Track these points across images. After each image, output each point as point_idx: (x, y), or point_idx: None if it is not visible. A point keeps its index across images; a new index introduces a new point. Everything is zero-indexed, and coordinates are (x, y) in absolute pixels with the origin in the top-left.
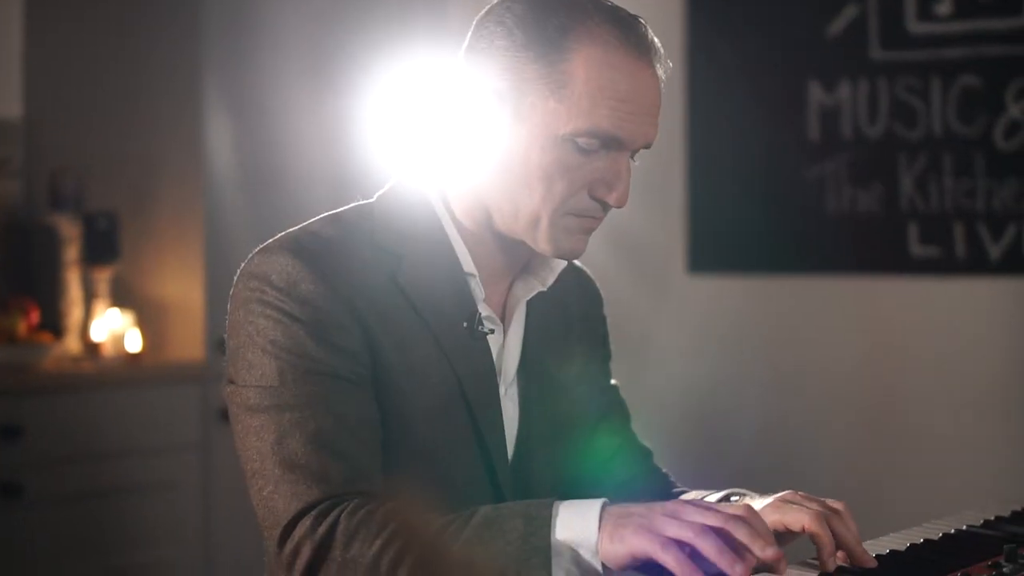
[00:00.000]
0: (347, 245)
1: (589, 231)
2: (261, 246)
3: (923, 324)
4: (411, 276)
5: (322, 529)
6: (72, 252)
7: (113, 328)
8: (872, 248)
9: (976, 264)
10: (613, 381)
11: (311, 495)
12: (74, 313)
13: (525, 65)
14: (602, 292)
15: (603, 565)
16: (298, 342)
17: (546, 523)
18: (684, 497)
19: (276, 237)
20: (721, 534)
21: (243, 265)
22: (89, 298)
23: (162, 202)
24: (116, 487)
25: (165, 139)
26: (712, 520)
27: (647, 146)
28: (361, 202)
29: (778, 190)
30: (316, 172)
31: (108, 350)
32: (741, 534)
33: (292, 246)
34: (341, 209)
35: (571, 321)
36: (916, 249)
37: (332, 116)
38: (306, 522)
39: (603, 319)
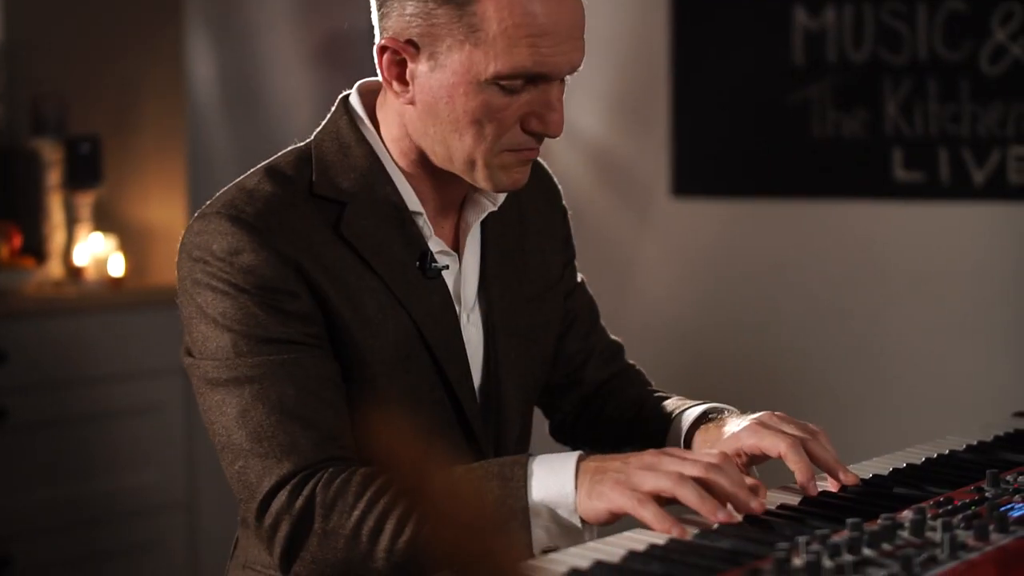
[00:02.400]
0: (286, 201)
1: (528, 161)
2: (199, 212)
3: (907, 248)
4: (355, 225)
5: (299, 503)
6: (54, 176)
7: (96, 252)
8: (856, 173)
9: (960, 189)
10: (580, 278)
11: (283, 468)
12: (56, 237)
13: (435, 10)
14: (588, 216)
15: (582, 520)
16: (248, 312)
17: (521, 484)
18: (662, 406)
19: (213, 199)
20: (701, 483)
21: (183, 234)
22: (71, 222)
23: (145, 125)
24: (99, 411)
25: (147, 62)
26: (691, 470)
27: (574, 71)
28: (298, 144)
29: (762, 114)
30: (300, 94)
31: (91, 274)
32: (723, 484)
33: (229, 211)
34: (277, 156)
35: (529, 226)
36: (900, 174)
37: (316, 36)
38: (282, 497)
39: (563, 215)
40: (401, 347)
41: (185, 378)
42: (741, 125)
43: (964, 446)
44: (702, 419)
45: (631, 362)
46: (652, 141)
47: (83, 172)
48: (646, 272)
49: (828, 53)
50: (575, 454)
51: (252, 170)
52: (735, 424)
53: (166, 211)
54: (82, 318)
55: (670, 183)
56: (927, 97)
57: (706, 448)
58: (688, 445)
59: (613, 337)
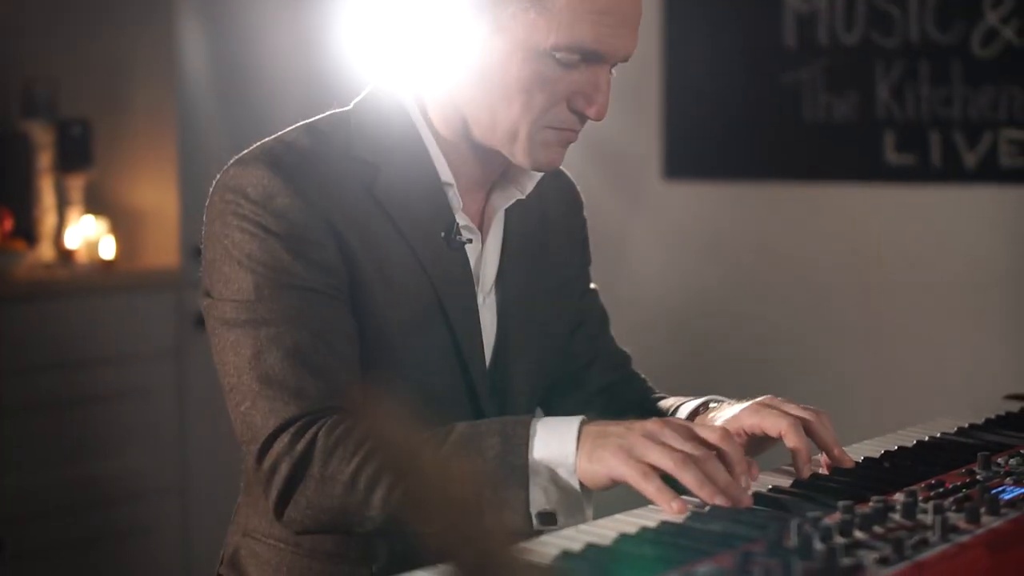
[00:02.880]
0: (323, 156)
1: (567, 143)
2: (236, 157)
3: (898, 232)
4: (387, 187)
5: (300, 446)
6: (45, 159)
7: (87, 235)
8: (848, 156)
9: (952, 172)
10: (592, 285)
11: (289, 411)
12: (48, 220)
13: None
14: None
15: (581, 484)
16: (274, 256)
17: (523, 442)
18: (661, 404)
19: (251, 148)
20: (700, 463)
21: (219, 176)
22: (63, 205)
23: (135, 108)
24: (91, 394)
25: (138, 44)
26: (692, 449)
27: (627, 58)
28: (337, 110)
29: (754, 97)
30: (291, 76)
31: (82, 257)
32: (720, 474)
33: (268, 158)
34: (316, 118)
35: (550, 225)
36: (892, 157)
37: (307, 19)
38: (284, 439)
39: (583, 223)
40: (420, 312)
41: (177, 361)
42: (732, 108)
43: (955, 429)
44: (700, 409)
45: (637, 371)
46: (643, 123)
47: (74, 155)
48: (637, 254)
49: (820, 36)
50: (579, 417)
51: (292, 127)
52: (735, 409)
53: (157, 194)
54: (73, 301)
55: (661, 166)
56: (919, 80)
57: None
58: None
59: (622, 347)
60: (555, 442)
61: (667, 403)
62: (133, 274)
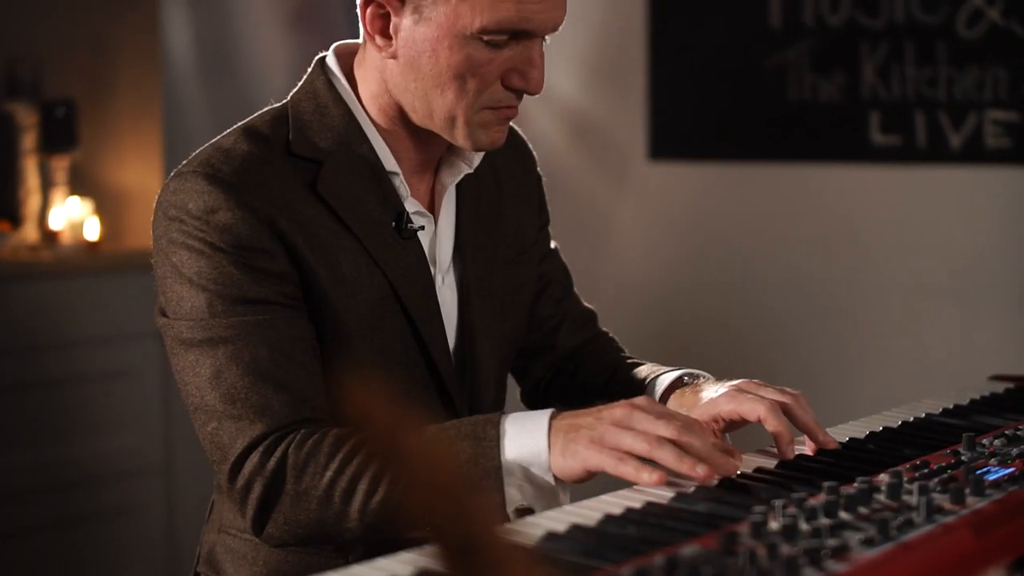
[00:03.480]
0: (262, 160)
1: (507, 120)
2: (175, 171)
3: (883, 212)
4: (331, 184)
5: (271, 464)
6: (30, 140)
7: (71, 216)
8: (833, 136)
9: (937, 153)
10: (553, 245)
11: (256, 429)
12: (32, 201)
13: None
14: (564, 179)
15: (556, 478)
16: (223, 272)
17: (494, 444)
18: (636, 372)
19: (189, 159)
20: (675, 444)
21: (159, 193)
22: (47, 186)
23: (120, 89)
24: (76, 375)
25: (123, 24)
26: (665, 431)
27: (556, 28)
28: (274, 105)
29: (739, 77)
30: (276, 57)
31: (66, 238)
32: (697, 447)
33: (206, 170)
34: (254, 116)
35: (504, 188)
36: (877, 137)
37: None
38: (254, 458)
39: (538, 180)
40: (376, 307)
41: (162, 342)
42: (718, 88)
43: (940, 410)
44: (677, 384)
45: (604, 329)
46: (629, 104)
47: (58, 136)
48: (622, 235)
49: (805, 16)
50: (547, 412)
51: (229, 130)
52: (712, 390)
53: (142, 174)
54: (58, 282)
55: (647, 146)
56: (904, 61)
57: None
58: None
59: (587, 305)
60: (526, 440)
61: (641, 372)
62: (118, 255)
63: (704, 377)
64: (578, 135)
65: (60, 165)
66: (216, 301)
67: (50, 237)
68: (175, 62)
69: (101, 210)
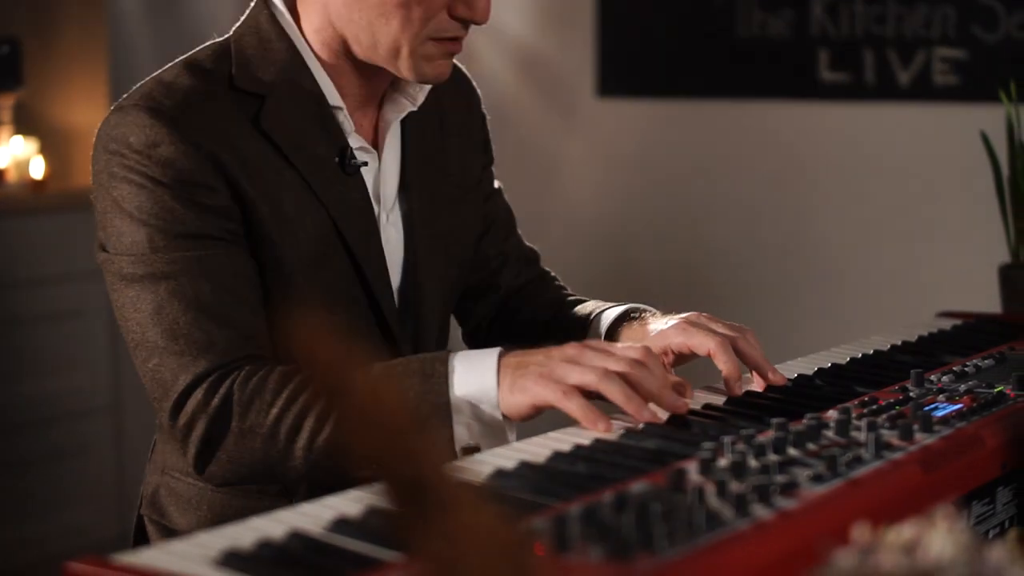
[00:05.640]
0: (205, 94)
1: (452, 54)
2: (116, 104)
3: (831, 149)
4: (274, 119)
5: (216, 401)
6: None
7: (16, 155)
8: (782, 73)
9: (885, 90)
10: (497, 184)
11: (199, 365)
12: None
13: None
14: (512, 117)
15: (504, 416)
16: (165, 206)
17: (443, 381)
18: (579, 309)
19: (131, 92)
20: (625, 379)
21: (100, 126)
22: None
23: (65, 27)
24: (22, 315)
25: None
26: (615, 365)
27: None
28: (217, 39)
29: (688, 14)
30: None
31: (11, 177)
32: (647, 382)
33: (148, 103)
34: (196, 50)
35: (449, 128)
36: (826, 75)
37: None
38: (198, 395)
39: (482, 119)
40: (319, 244)
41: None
42: (666, 25)
43: (888, 346)
44: (623, 318)
45: (547, 269)
46: (577, 41)
47: (3, 75)
48: (571, 172)
49: None
50: (496, 350)
51: (170, 64)
52: (661, 323)
53: (88, 113)
54: (3, 221)
55: (595, 83)
56: None
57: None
58: None
59: (530, 245)
60: (475, 377)
61: (585, 308)
62: (63, 194)
63: (651, 312)
64: (526, 72)
65: (5, 104)
66: (157, 236)
67: None
68: None
69: (46, 149)
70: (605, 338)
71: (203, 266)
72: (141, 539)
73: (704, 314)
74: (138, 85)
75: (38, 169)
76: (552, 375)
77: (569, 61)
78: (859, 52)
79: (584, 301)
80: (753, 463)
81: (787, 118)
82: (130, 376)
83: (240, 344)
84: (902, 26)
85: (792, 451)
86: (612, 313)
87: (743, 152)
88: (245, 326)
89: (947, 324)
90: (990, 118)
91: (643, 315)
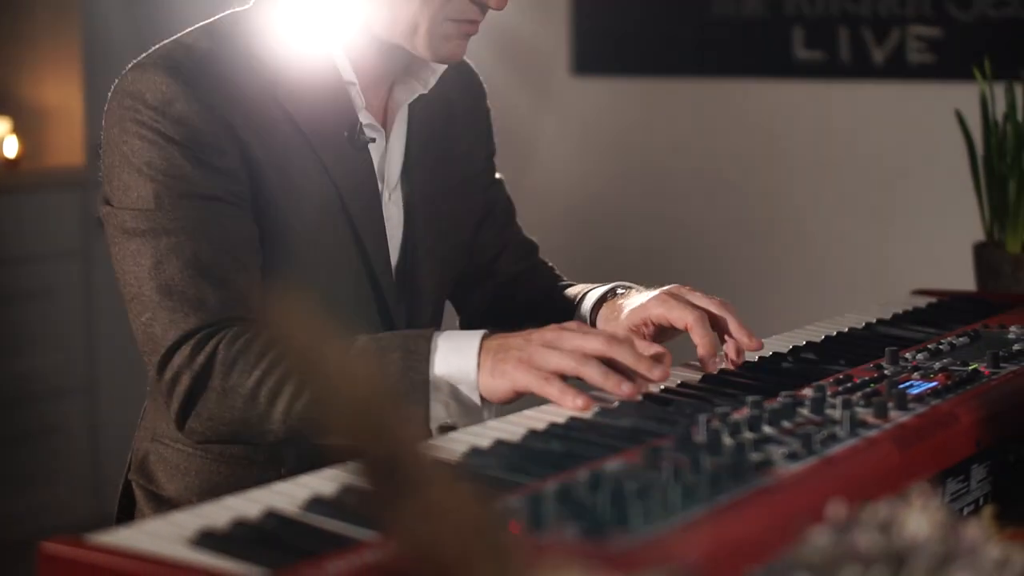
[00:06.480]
0: (223, 59)
1: (468, 36)
2: (135, 61)
3: (806, 127)
4: (289, 88)
5: (201, 358)
6: None
7: None
8: (756, 51)
9: (860, 68)
10: (498, 175)
11: (189, 323)
12: None
13: None
14: (488, 94)
15: (483, 399)
16: (174, 163)
17: (424, 358)
18: (568, 292)
19: (150, 51)
20: (604, 359)
21: (117, 81)
22: None
23: (38, 4)
24: None
25: None
26: (592, 345)
27: None
28: (237, 9)
29: None
30: None
31: None
32: (625, 358)
33: (167, 63)
34: (216, 17)
35: (455, 118)
36: (800, 53)
37: None
38: (184, 351)
39: (487, 113)
40: (322, 214)
41: (83, 261)
42: (642, 3)
43: (863, 324)
44: (607, 296)
45: (544, 259)
46: (552, 18)
47: None
48: (546, 151)
49: None
50: (480, 332)
51: (191, 28)
52: (643, 296)
53: (61, 92)
54: None
55: (570, 61)
56: None
57: (611, 319)
58: (594, 324)
59: (529, 236)
60: (456, 357)
61: (574, 290)
62: (37, 173)
63: (636, 289)
64: (501, 50)
65: None
66: (163, 192)
67: None
68: None
69: (20, 128)
70: (590, 316)
71: (206, 226)
72: (128, 504)
73: (686, 286)
74: (158, 46)
75: (11, 148)
76: (532, 361)
77: (544, 39)
78: (834, 30)
79: (574, 285)
80: (728, 441)
81: (762, 96)
82: (104, 355)
83: (232, 306)
84: (877, 4)
85: (767, 429)
86: (597, 292)
87: (718, 130)
88: (240, 288)
89: (922, 302)
90: (964, 96)
91: (627, 291)
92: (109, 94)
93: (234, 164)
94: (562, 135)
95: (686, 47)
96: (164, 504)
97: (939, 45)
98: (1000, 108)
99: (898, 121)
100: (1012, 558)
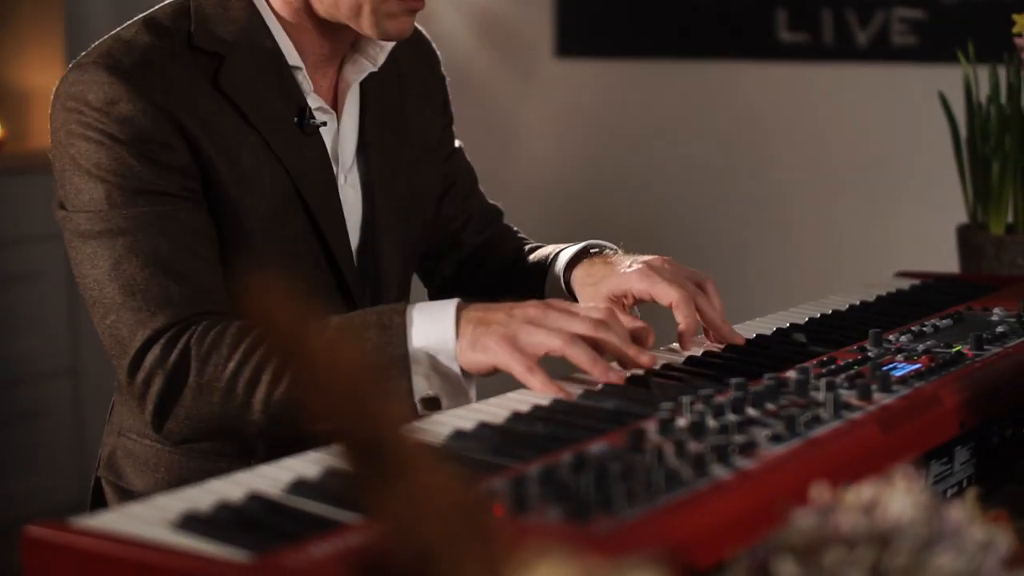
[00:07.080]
0: (164, 52)
1: (414, 11)
2: (74, 62)
3: (790, 109)
4: (233, 78)
5: (173, 357)
6: None
7: None
8: (740, 33)
9: (844, 50)
10: (457, 144)
11: (156, 321)
12: None
13: None
14: (471, 77)
15: (463, 371)
16: (123, 163)
17: (401, 331)
18: (537, 253)
19: (89, 50)
20: (590, 341)
21: (58, 84)
22: None
23: None
24: None
25: None
26: (579, 327)
27: None
28: None
29: None
30: None
31: None
32: (612, 340)
33: (107, 61)
34: (155, 9)
35: (408, 90)
36: (784, 35)
37: None
38: (155, 350)
39: (442, 80)
40: (277, 203)
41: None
42: None
43: (847, 306)
44: (582, 255)
45: (509, 224)
46: (536, 1)
47: None
48: (529, 133)
49: None
50: (454, 301)
51: (129, 22)
52: (624, 264)
53: (44, 74)
54: None
55: (554, 43)
56: None
57: (588, 283)
58: (568, 284)
59: (492, 202)
60: (433, 328)
61: (544, 251)
62: (20, 156)
63: (611, 248)
64: (484, 32)
65: None
66: (115, 192)
67: None
68: None
69: (2, 111)
70: (563, 276)
71: (161, 223)
72: (99, 501)
73: (666, 258)
74: (97, 43)
75: None
76: (516, 339)
77: (528, 21)
78: (818, 12)
79: (541, 247)
80: (712, 423)
81: (746, 78)
82: (89, 339)
83: (198, 300)
84: None
85: (751, 411)
86: (569, 252)
87: (702, 112)
88: (202, 282)
89: (905, 284)
90: (948, 79)
91: (604, 252)
92: (52, 97)
93: (183, 159)
94: (546, 118)
95: (670, 29)
96: (134, 500)
97: (923, 27)
98: (984, 91)
99: (882, 104)
100: (995, 540)
